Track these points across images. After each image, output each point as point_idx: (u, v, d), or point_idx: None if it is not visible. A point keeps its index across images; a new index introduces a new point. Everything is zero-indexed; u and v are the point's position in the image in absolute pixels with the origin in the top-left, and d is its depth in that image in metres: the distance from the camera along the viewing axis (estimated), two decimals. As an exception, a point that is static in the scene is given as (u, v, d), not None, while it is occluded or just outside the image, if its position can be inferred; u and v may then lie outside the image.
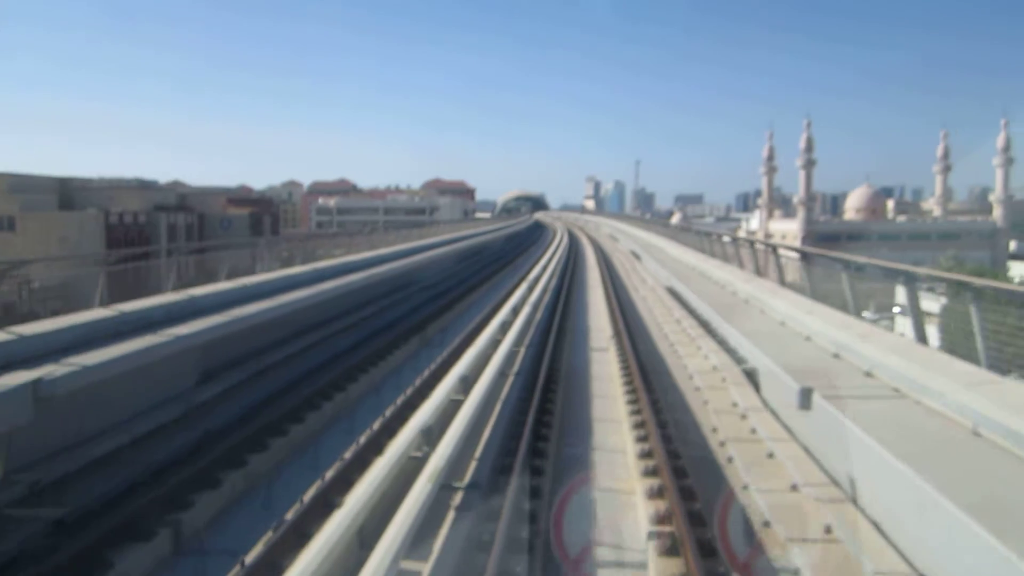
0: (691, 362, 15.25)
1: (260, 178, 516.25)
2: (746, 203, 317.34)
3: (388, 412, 11.80)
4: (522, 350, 16.16)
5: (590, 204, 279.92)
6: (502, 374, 13.20)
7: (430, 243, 35.87)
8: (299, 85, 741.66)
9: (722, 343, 15.45)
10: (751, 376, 12.50)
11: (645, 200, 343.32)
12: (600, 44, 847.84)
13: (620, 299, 25.36)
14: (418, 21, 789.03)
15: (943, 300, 12.21)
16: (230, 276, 16.75)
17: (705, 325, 18.02)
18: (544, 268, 32.88)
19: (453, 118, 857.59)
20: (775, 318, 15.18)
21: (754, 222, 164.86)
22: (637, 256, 42.16)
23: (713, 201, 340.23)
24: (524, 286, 25.03)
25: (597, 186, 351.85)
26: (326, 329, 17.68)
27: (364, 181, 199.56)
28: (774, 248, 20.14)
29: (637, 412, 11.36)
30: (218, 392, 12.40)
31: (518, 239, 71.78)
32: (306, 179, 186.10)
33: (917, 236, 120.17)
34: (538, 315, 20.65)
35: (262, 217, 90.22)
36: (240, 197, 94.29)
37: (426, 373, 14.50)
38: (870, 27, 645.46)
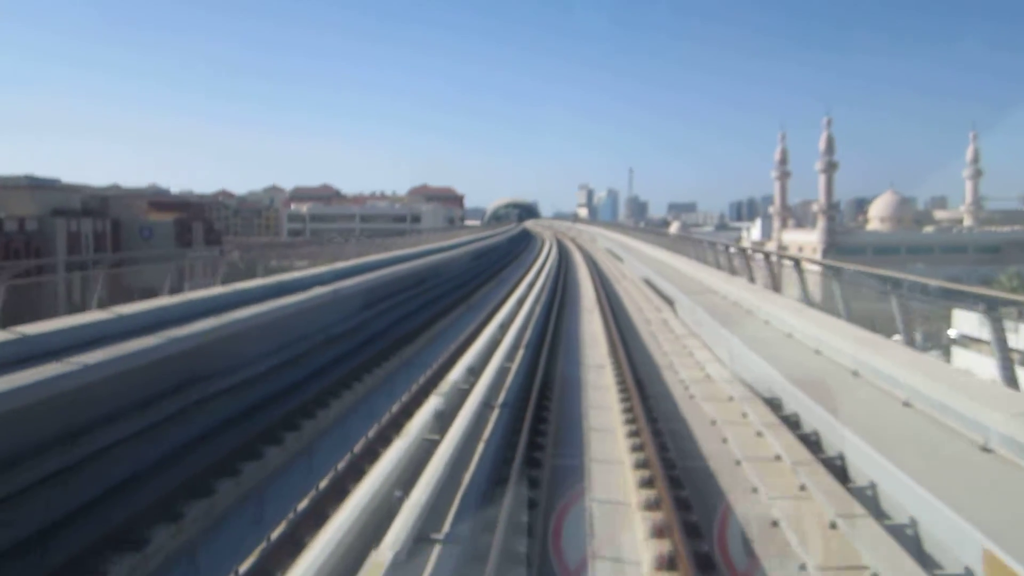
0: None
1: (242, 183, 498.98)
2: (739, 212, 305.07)
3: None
4: None
5: (583, 212, 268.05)
6: None
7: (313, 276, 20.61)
8: (285, 90, 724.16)
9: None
10: None
11: (639, 208, 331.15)
12: (594, 51, 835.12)
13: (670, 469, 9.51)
14: (412, 26, 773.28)
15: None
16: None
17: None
18: (505, 325, 17.90)
19: (445, 125, 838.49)
20: None
21: (755, 231, 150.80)
22: (667, 299, 24.04)
23: (706, 209, 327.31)
24: (435, 402, 10.15)
25: (590, 194, 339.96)
26: None
27: (350, 187, 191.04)
28: None
29: None
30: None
31: (492, 256, 56.68)
32: (290, 185, 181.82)
33: (952, 249, 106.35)
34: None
35: (190, 224, 75.34)
36: (164, 201, 78.84)
37: None
38: (862, 33, 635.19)
